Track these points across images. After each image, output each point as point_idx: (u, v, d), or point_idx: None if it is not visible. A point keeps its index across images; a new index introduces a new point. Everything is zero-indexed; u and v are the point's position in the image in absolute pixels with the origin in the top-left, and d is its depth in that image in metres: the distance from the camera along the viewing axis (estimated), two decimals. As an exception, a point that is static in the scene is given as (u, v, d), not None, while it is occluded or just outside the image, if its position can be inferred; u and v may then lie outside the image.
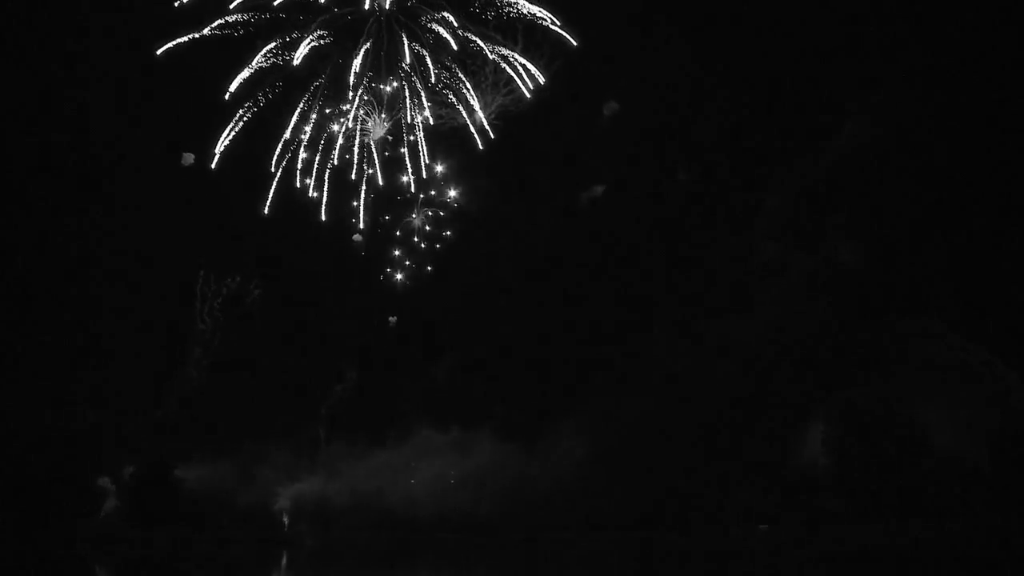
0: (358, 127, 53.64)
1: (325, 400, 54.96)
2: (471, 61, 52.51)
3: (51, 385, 52.22)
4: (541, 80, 52.55)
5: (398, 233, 55.51)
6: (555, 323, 54.35)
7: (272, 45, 51.71)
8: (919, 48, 49.56)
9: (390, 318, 55.59)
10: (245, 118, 52.46)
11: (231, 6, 50.99)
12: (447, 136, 53.61)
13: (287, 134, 53.00)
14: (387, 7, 52.05)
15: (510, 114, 53.17)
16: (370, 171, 54.07)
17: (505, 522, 50.53)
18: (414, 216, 55.41)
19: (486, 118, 52.91)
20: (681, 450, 49.66)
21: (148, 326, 54.18)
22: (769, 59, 51.87)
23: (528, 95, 52.68)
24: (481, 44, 51.90)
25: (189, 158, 53.67)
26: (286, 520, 53.29)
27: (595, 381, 52.77)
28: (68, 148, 53.46)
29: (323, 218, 54.07)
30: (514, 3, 51.75)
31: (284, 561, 49.86)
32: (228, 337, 54.73)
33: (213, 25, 51.01)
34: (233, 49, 51.42)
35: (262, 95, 52.34)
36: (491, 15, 52.04)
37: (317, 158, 53.58)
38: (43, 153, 53.38)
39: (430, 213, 55.36)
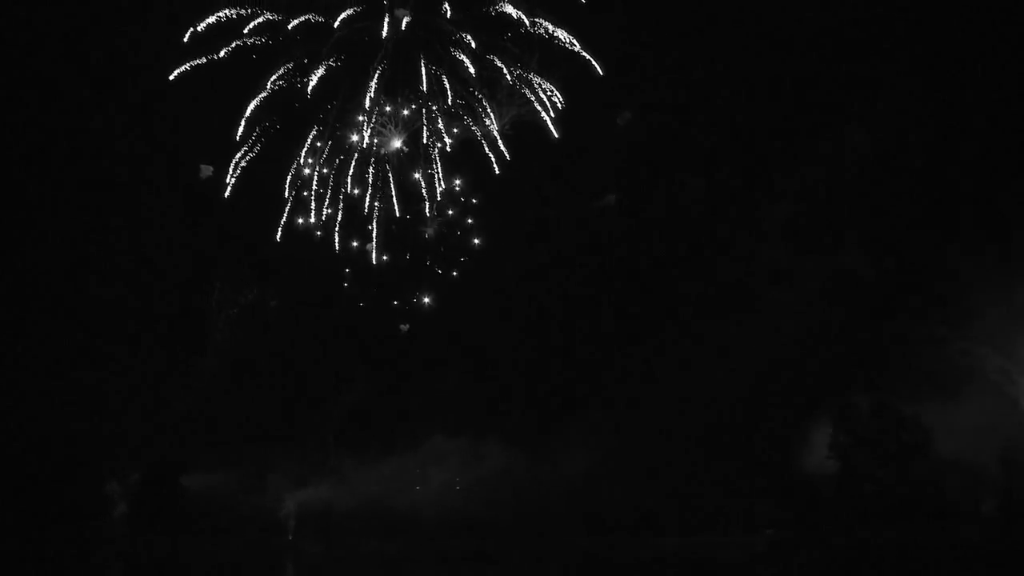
0: (372, 147, 54.22)
1: (333, 406, 55.15)
2: (487, 73, 52.64)
3: (57, 388, 52.11)
4: (561, 104, 52.58)
5: (408, 256, 55.96)
6: (560, 328, 54.75)
7: (285, 69, 52.15)
8: (921, 49, 50.05)
9: (401, 326, 56.00)
10: (261, 142, 53.06)
11: (245, 30, 51.43)
12: (463, 145, 53.84)
13: (300, 158, 53.61)
14: (403, 28, 52.32)
15: (524, 123, 53.12)
16: (385, 190, 54.71)
17: (511, 527, 50.40)
18: (427, 233, 56.07)
19: (501, 129, 52.92)
20: (684, 453, 49.66)
21: (156, 330, 54.48)
22: (774, 63, 52.52)
23: (554, 132, 52.59)
24: (500, 64, 52.14)
25: (207, 170, 54.41)
26: (292, 526, 53.37)
27: (600, 385, 52.94)
28: (70, 150, 53.81)
29: (336, 248, 54.78)
30: (533, 21, 51.78)
31: (289, 566, 50.02)
32: (239, 344, 55.26)
33: (230, 47, 51.52)
34: (249, 72, 52.00)
35: (277, 118, 52.93)
36: (508, 36, 52.39)
37: (330, 182, 54.12)
38: (45, 154, 53.85)
39: (444, 231, 55.94)
